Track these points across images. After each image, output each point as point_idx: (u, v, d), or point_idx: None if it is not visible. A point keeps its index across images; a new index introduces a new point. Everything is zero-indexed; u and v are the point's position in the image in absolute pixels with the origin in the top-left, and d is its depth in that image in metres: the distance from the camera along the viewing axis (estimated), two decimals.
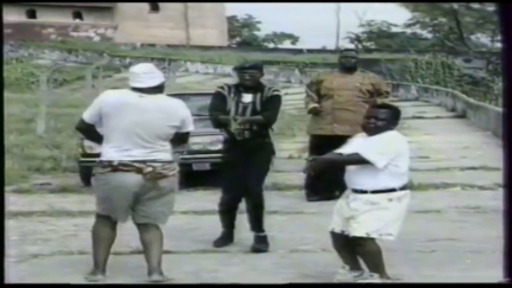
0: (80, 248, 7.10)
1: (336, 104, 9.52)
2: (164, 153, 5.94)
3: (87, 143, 10.81)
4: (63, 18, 54.99)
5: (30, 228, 8.20)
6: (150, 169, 5.83)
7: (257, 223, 7.13)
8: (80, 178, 11.03)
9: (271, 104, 7.05)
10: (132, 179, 5.84)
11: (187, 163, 10.67)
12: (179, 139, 6.10)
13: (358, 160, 5.55)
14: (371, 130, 5.64)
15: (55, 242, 7.37)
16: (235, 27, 69.00)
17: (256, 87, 7.07)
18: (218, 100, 7.13)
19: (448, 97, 29.15)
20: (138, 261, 6.58)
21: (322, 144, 9.19)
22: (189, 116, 6.07)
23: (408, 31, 63.67)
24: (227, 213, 7.27)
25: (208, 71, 43.29)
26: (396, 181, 5.58)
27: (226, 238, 7.27)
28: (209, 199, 9.58)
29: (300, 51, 51.06)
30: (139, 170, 5.83)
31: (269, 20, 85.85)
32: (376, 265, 5.61)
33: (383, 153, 5.52)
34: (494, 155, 12.21)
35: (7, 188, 9.79)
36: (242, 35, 71.63)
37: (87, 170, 10.81)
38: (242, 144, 7.02)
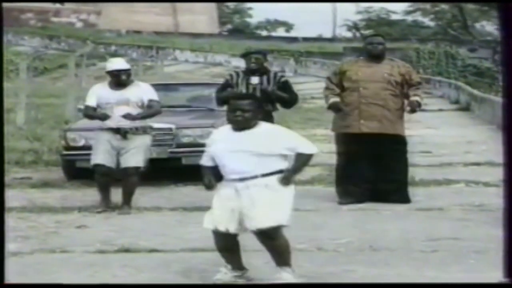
0: (61, 246, 7.10)
1: (362, 98, 8.97)
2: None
3: (71, 135, 10.79)
4: (43, 2, 54.72)
5: (10, 224, 8.13)
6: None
7: None
8: (62, 172, 11.00)
9: (287, 88, 9.02)
10: None
11: (177, 157, 10.65)
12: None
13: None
14: (239, 123, 5.70)
15: (36, 240, 7.37)
16: (225, 13, 68.82)
17: (261, 71, 8.89)
18: (225, 86, 9.11)
19: (451, 88, 29.23)
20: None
21: (349, 143, 9.07)
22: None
23: (409, 18, 63.69)
24: None
25: (198, 60, 43.28)
26: (284, 163, 5.66)
27: None
28: (199, 195, 9.53)
29: (295, 39, 51.04)
30: None
31: (261, 6, 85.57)
32: (287, 258, 5.65)
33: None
34: (500, 150, 12.21)
35: None
36: (233, 22, 71.47)
37: (70, 164, 10.80)
38: None
